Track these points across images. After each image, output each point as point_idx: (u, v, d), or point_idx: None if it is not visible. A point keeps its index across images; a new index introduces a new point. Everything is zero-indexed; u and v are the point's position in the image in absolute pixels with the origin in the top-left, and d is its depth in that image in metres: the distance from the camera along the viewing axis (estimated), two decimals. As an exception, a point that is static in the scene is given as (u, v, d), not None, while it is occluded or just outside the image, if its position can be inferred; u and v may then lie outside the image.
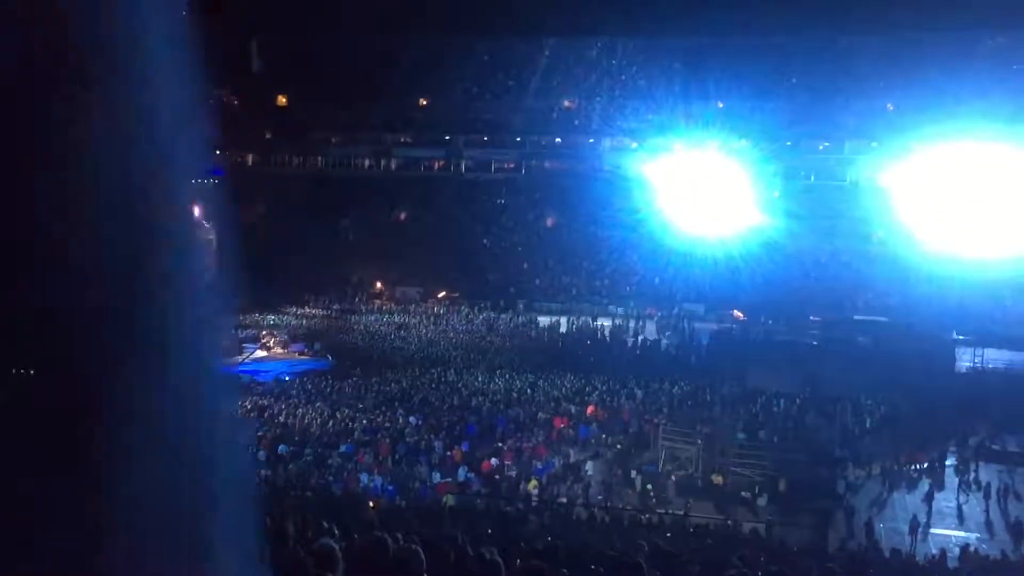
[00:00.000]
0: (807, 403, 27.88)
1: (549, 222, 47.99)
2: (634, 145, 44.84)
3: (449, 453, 23.31)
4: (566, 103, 49.07)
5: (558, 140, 49.17)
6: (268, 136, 50.08)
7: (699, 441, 24.12)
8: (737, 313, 38.97)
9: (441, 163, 50.14)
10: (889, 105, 41.83)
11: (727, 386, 29.97)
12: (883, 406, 27.28)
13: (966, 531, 19.94)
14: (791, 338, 35.19)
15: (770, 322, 37.33)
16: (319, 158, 49.93)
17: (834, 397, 27.85)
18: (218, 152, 49.65)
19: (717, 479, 22.13)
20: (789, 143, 43.02)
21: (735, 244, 38.10)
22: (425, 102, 50.04)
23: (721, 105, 41.53)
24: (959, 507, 21.29)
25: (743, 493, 21.50)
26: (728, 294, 38.72)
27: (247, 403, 28.63)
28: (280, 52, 45.98)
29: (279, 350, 38.10)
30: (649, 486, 21.61)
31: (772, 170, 40.97)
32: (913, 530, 18.76)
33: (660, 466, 23.10)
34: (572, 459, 23.35)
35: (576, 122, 48.46)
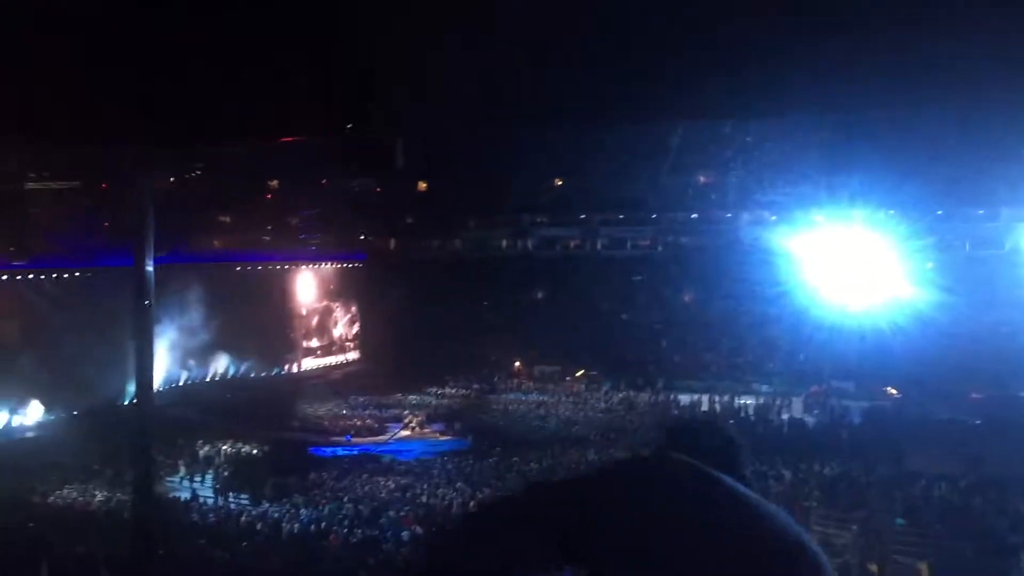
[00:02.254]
0: (972, 486, 26.10)
1: (687, 298, 47.42)
2: (773, 218, 44.01)
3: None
4: (701, 178, 48.79)
5: (694, 216, 48.80)
6: (409, 221, 51.79)
7: (854, 527, 22.94)
8: (891, 390, 37.19)
9: (577, 242, 50.52)
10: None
11: (883, 468, 28.45)
12: (1059, 490, 25.20)
13: None
14: (951, 416, 33.21)
15: (927, 400, 35.34)
16: (457, 240, 51.20)
17: (1002, 479, 25.99)
18: (362, 237, 51.79)
19: (874, 567, 20.86)
20: (940, 212, 41.28)
21: (886, 318, 36.52)
22: (560, 182, 50.79)
23: (863, 177, 40.37)
24: None
25: (905, 583, 20.19)
26: (880, 371, 37.03)
27: (390, 482, 29.16)
28: (418, 141, 47.98)
29: (420, 430, 38.73)
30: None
31: (923, 241, 39.29)
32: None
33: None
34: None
35: (712, 197, 48.03)
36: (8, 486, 27.65)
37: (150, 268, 3.41)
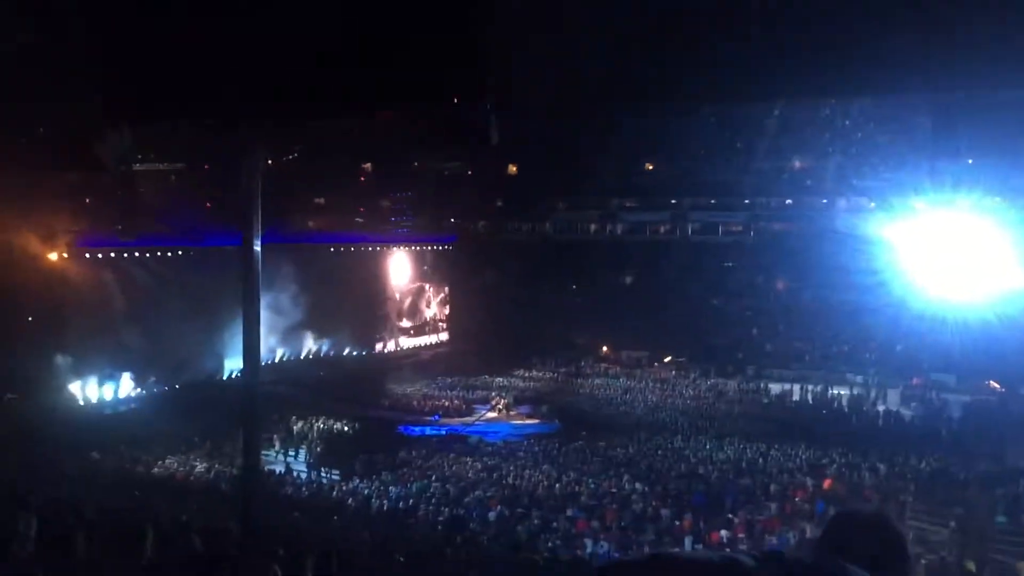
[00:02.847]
0: (1079, 486, 24.99)
1: (780, 286, 46.46)
2: (872, 205, 42.67)
3: (677, 522, 22.77)
4: (797, 163, 47.61)
5: (788, 201, 47.67)
6: (499, 204, 52.01)
7: (952, 523, 22.22)
8: (994, 384, 35.80)
9: (667, 227, 49.95)
10: None
11: (983, 464, 27.44)
12: None
13: None
14: (1058, 413, 31.83)
15: (1032, 394, 33.92)
16: (547, 224, 51.19)
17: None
18: (453, 220, 52.24)
19: (972, 566, 20.16)
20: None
21: (990, 309, 35.12)
22: (651, 166, 50.26)
23: (971, 161, 38.72)
24: None
25: (1005, 583, 19.46)
26: (983, 364, 35.64)
27: (477, 463, 29.48)
28: (510, 123, 48.11)
29: (507, 412, 38.99)
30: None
31: (1028, 230, 37.55)
32: None
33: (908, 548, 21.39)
34: (808, 535, 22.08)
35: (808, 183, 46.83)
36: (115, 456, 28.98)
37: (258, 247, 3.50)
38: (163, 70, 3.18)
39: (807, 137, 44.94)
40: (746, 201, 48.30)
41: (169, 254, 38.43)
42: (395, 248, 51.12)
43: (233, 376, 36.48)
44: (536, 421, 37.59)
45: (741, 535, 21.85)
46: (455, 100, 2.94)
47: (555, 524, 22.80)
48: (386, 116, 3.34)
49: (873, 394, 36.87)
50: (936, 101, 37.86)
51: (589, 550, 21.02)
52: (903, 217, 38.60)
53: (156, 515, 13.10)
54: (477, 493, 25.49)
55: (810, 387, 38.42)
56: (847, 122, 43.54)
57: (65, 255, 34.09)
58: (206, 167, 37.56)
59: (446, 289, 53.67)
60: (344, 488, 27.16)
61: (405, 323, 52.68)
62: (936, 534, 21.93)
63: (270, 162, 43.23)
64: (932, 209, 37.49)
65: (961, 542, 21.41)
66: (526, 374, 45.30)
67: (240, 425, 3.55)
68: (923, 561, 20.58)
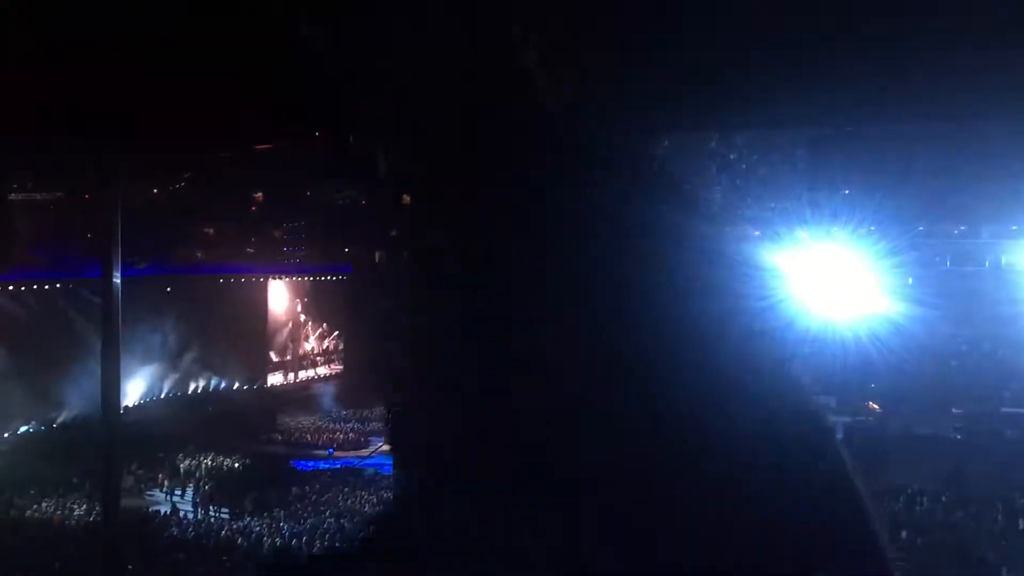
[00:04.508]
0: (953, 502, 26.21)
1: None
2: (757, 233, 44.11)
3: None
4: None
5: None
6: (394, 234, 51.63)
7: (836, 541, 22.94)
8: (872, 405, 37.30)
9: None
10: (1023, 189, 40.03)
11: (865, 482, 28.49)
12: (1039, 505, 25.30)
13: None
14: (933, 432, 33.38)
15: (909, 415, 35.49)
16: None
17: (983, 496, 26.12)
18: (347, 250, 51.59)
19: (857, 582, 20.82)
20: (922, 229, 41.55)
21: (867, 334, 36.68)
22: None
23: (847, 192, 40.58)
24: None
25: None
26: (861, 386, 37.15)
27: (373, 496, 29.00)
28: (403, 152, 48.08)
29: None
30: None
31: (903, 257, 39.50)
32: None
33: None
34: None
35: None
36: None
37: (117, 280, 3.35)
38: (31, 92, 3.02)
39: (693, 166, 46.26)
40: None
41: (46, 287, 36.72)
42: (287, 279, 50.13)
43: (124, 408, 34.92)
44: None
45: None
46: (332, 135, 2.88)
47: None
48: (265, 149, 3.25)
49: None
50: (813, 134, 39.63)
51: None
52: (786, 245, 40.06)
53: (27, 565, 12.38)
54: (374, 527, 25.04)
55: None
56: (731, 151, 45.05)
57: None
58: (86, 196, 36.13)
59: (340, 320, 52.87)
60: (234, 527, 26.31)
61: (298, 355, 51.63)
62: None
63: (156, 191, 42.00)
64: (812, 238, 39.09)
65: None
66: (423, 405, 44.88)
67: (101, 465, 3.36)
68: (812, 578, 21.16)
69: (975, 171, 39.67)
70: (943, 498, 26.41)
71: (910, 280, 38.25)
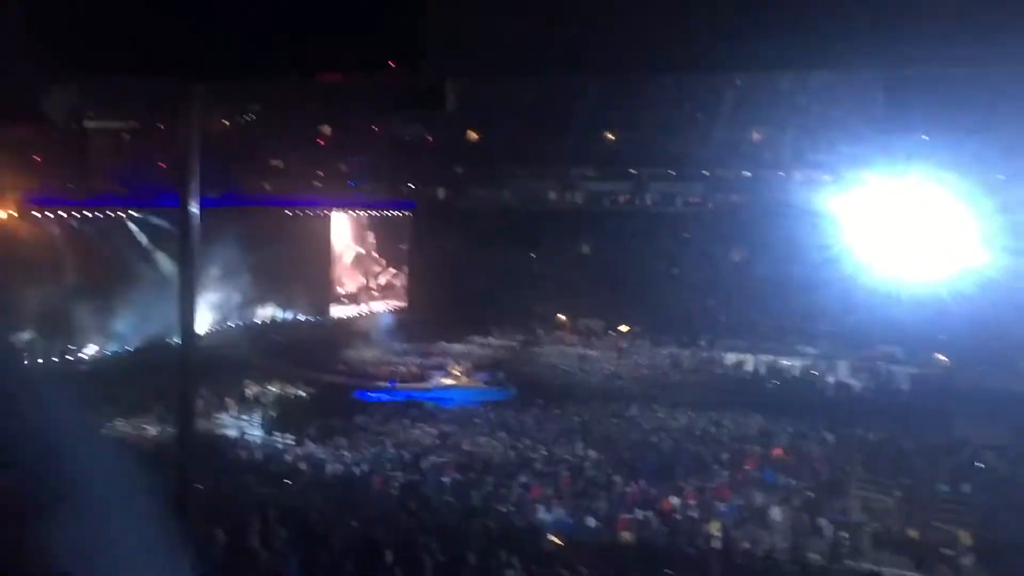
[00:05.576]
0: (1020, 457, 25.74)
1: (736, 257, 46.91)
2: (828, 179, 43.13)
3: (629, 489, 23.07)
4: (755, 135, 47.90)
5: (746, 174, 48.00)
6: (459, 171, 51.75)
7: (897, 492, 22.80)
8: (941, 357, 36.61)
9: (626, 197, 50.08)
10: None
11: (929, 435, 28.13)
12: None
13: None
14: (1003, 386, 32.63)
15: (978, 368, 34.71)
16: (506, 192, 51.05)
17: (1052, 451, 25.63)
18: (412, 186, 51.91)
19: (914, 534, 20.72)
20: (1002, 177, 40.11)
21: (940, 284, 35.81)
22: (611, 136, 50.25)
23: (925, 138, 39.24)
24: None
25: (945, 550, 19.98)
26: (932, 337, 36.42)
27: (432, 429, 29.56)
28: (470, 90, 47.78)
29: (464, 378, 39.05)
30: (844, 532, 20.47)
31: (983, 205, 38.22)
32: None
33: (853, 516, 21.92)
34: (758, 503, 22.51)
35: (766, 155, 47.16)
36: (64, 417, 28.51)
37: (195, 210, 3.40)
38: (105, 21, 3.07)
39: (765, 110, 45.21)
40: (705, 172, 48.56)
41: (124, 214, 37.72)
42: (354, 213, 50.68)
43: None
44: (492, 387, 37.72)
45: (692, 502, 22.21)
46: (403, 65, 2.88)
47: (509, 490, 22.99)
48: (335, 79, 3.26)
49: (823, 365, 37.51)
50: (889, 77, 38.28)
51: (541, 516, 21.24)
52: (857, 191, 39.13)
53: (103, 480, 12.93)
54: (432, 458, 25.60)
55: (762, 357, 38.97)
56: (804, 96, 43.84)
57: (14, 213, 33.34)
58: (160, 126, 36.78)
59: (404, 255, 53.38)
60: (298, 453, 27.10)
61: (362, 289, 52.42)
62: (880, 503, 22.49)
63: (226, 122, 42.59)
64: (885, 183, 38.06)
65: (905, 511, 21.99)
66: (483, 341, 45.38)
67: (179, 390, 3.50)
68: (867, 530, 21.12)
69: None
70: (1009, 453, 25.94)
71: (988, 228, 36.98)
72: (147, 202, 36.25)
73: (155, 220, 36.45)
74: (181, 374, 3.56)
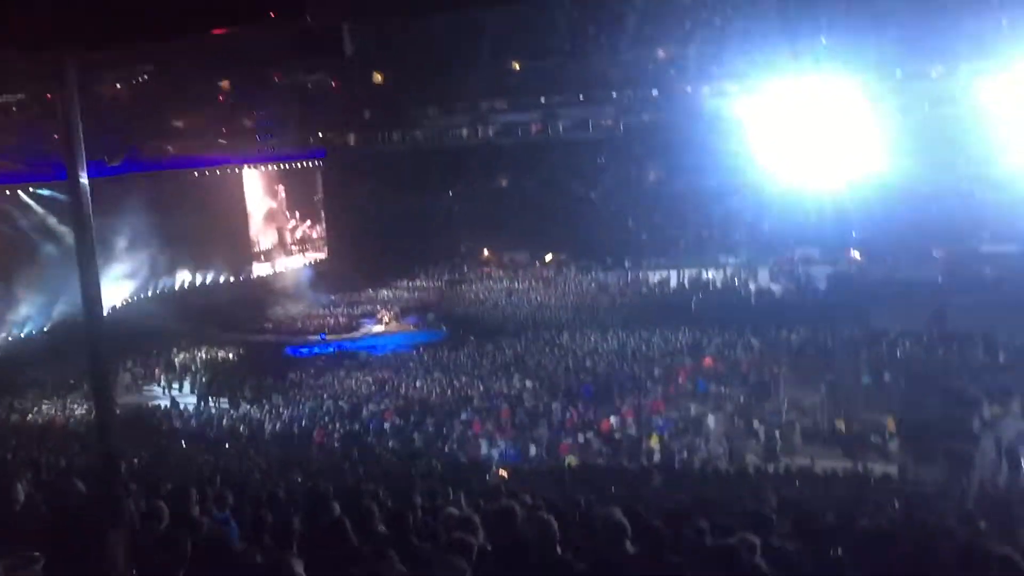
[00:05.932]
0: (935, 341, 26.86)
1: (652, 177, 47.33)
2: (734, 89, 43.56)
3: (568, 415, 23.47)
4: (661, 53, 47.94)
5: (655, 92, 48.15)
6: (367, 115, 50.82)
7: (822, 387, 23.63)
8: (854, 253, 37.73)
9: (538, 126, 49.86)
10: (1004, 20, 39.27)
11: (848, 329, 29.12)
12: (1017, 338, 25.89)
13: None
14: (914, 275, 33.87)
15: (890, 261, 35.90)
16: (418, 132, 50.38)
17: (964, 333, 26.76)
18: (320, 135, 50.84)
19: (841, 424, 21.57)
20: (899, 73, 41.04)
21: (847, 183, 36.78)
22: (518, 66, 49.75)
23: (824, 41, 39.76)
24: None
25: (872, 438, 20.88)
26: (843, 235, 37.46)
27: (368, 377, 29.50)
28: (371, 31, 46.72)
29: (394, 324, 38.96)
30: (776, 432, 21.21)
31: (882, 104, 39.13)
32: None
33: (783, 415, 22.70)
34: (692, 413, 23.14)
35: (672, 72, 47.29)
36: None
37: (85, 180, 3.27)
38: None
39: (668, 27, 45.16)
40: (614, 95, 48.54)
41: (22, 191, 36.17)
42: (262, 168, 49.46)
43: (110, 311, 34.89)
44: (423, 330, 37.73)
45: (629, 419, 22.70)
46: (287, 13, 2.77)
47: (450, 429, 23.18)
48: (217, 34, 3.12)
49: (744, 274, 38.35)
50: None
51: (485, 451, 21.49)
52: (764, 99, 39.71)
53: (35, 463, 12.65)
54: (371, 407, 25.60)
55: (686, 272, 39.64)
56: (705, 10, 43.90)
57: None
58: (49, 97, 35.08)
59: (319, 205, 52.50)
60: (234, 415, 26.82)
61: (280, 243, 51.53)
62: (808, 399, 23.31)
63: (119, 86, 40.86)
64: (789, 90, 38.66)
65: (831, 404, 22.84)
66: (410, 284, 45.22)
67: (87, 368, 3.40)
68: (797, 426, 21.91)
69: (950, 6, 38.83)
70: (925, 339, 27.04)
71: (890, 127, 37.90)
72: (44, 176, 34.74)
73: (55, 195, 35.02)
74: (90, 349, 3.46)
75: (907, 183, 36.18)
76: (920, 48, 39.88)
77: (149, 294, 40.51)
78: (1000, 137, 36.69)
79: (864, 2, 37.77)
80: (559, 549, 4.71)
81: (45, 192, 35.83)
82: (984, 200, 37.84)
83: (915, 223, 36.11)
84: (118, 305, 36.71)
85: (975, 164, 37.58)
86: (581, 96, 48.85)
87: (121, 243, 35.28)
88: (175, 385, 31.79)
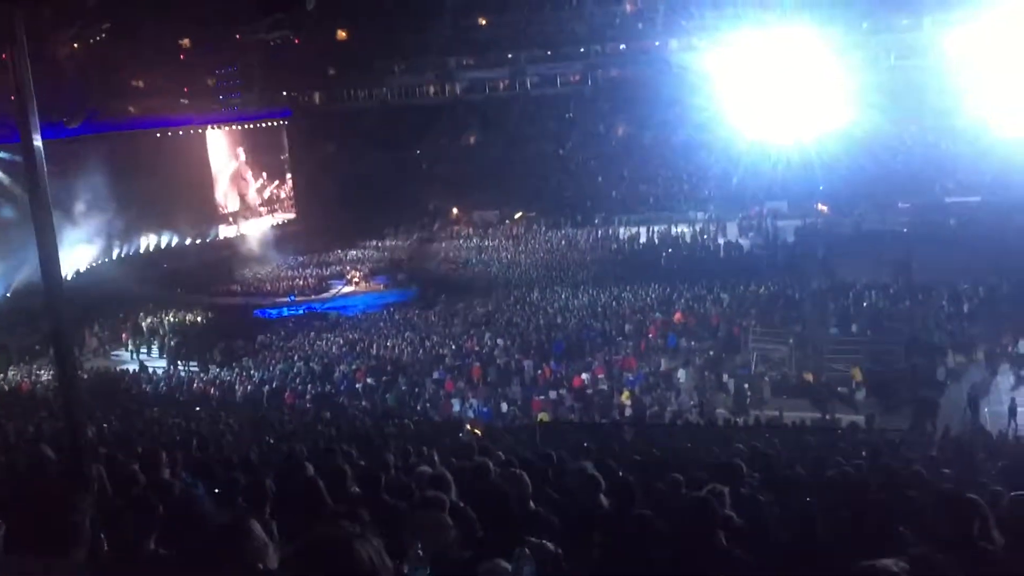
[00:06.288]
0: (900, 292, 27.20)
1: (620, 132, 47.21)
2: (701, 43, 43.40)
3: (539, 372, 23.57)
4: (628, 7, 47.61)
5: (622, 47, 47.87)
6: (332, 72, 50.10)
7: (791, 340, 23.88)
8: (821, 207, 37.97)
9: (506, 83, 49.47)
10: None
11: (816, 282, 29.39)
12: (981, 288, 26.28)
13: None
14: (880, 227, 34.17)
15: (856, 213, 36.19)
16: (384, 89, 49.79)
17: (929, 284, 27.11)
18: (285, 93, 50.06)
19: (810, 376, 21.85)
20: (866, 25, 41.09)
21: (814, 137, 36.93)
22: (484, 21, 49.20)
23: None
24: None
25: (840, 388, 21.19)
26: (811, 189, 37.66)
27: (339, 338, 29.39)
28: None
29: (364, 284, 38.75)
30: (745, 384, 21.44)
31: (849, 57, 39.20)
32: (1012, 412, 18.19)
33: (753, 368, 22.93)
34: (663, 368, 23.32)
35: (640, 25, 47.02)
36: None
37: (38, 141, 3.16)
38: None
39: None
40: (581, 50, 48.21)
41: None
42: (226, 128, 48.60)
43: (74, 276, 34.24)
44: (393, 289, 37.57)
45: (601, 376, 22.84)
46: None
47: (423, 388, 23.20)
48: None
49: (713, 228, 38.49)
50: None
51: (458, 408, 21.55)
52: (730, 53, 39.62)
53: (2, 430, 12.49)
54: (342, 367, 25.54)
55: (655, 228, 39.70)
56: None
57: None
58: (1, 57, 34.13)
59: (286, 165, 51.82)
60: (204, 378, 26.66)
61: (247, 204, 50.89)
62: (777, 352, 23.56)
63: (76, 46, 39.83)
64: (756, 43, 38.56)
65: (799, 356, 23.11)
66: (379, 244, 44.95)
67: (49, 333, 3.32)
68: (766, 379, 22.17)
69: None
70: (891, 290, 27.36)
71: (855, 79, 37.95)
72: (13, 138, 33.79)
73: (13, 157, 34.20)
74: (50, 312, 3.38)
75: (873, 136, 36.44)
76: (887, 1, 39.97)
77: (113, 257, 39.89)
78: (964, 89, 36.97)
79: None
80: (533, 504, 4.72)
81: (3, 155, 35.01)
82: (948, 151, 38.25)
83: (881, 176, 36.43)
84: (82, 269, 36.15)
85: (940, 116, 37.92)
86: (548, 52, 48.48)
87: (81, 206, 34.61)
88: (143, 349, 31.49)
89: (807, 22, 38.00)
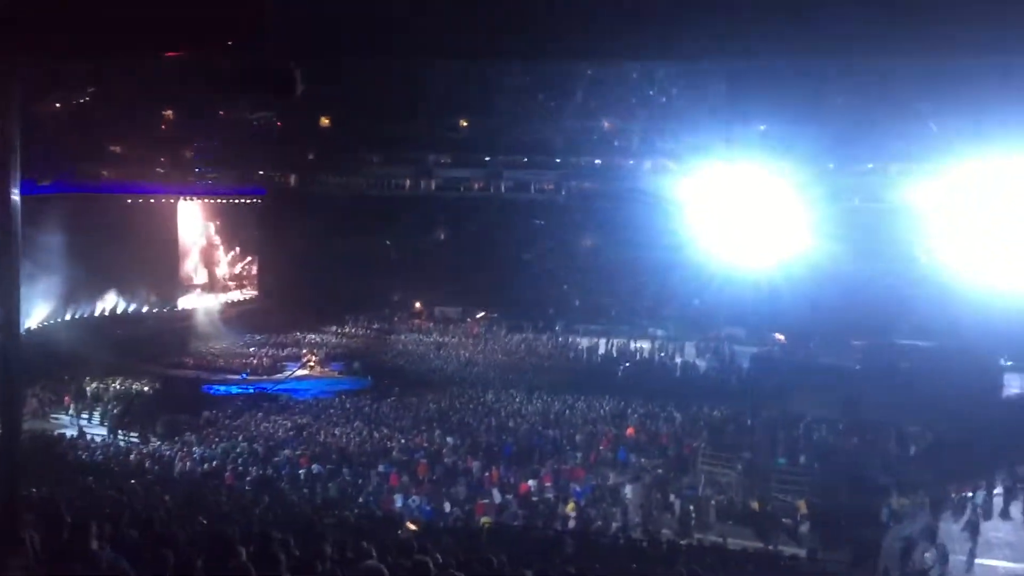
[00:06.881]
0: (849, 429, 27.44)
1: (588, 243, 47.97)
2: (674, 167, 44.67)
3: (486, 474, 23.28)
4: (606, 124, 49.04)
5: (597, 161, 49.11)
6: (311, 157, 50.67)
7: (739, 466, 23.90)
8: (779, 336, 38.56)
9: (480, 184, 50.33)
10: (933, 126, 41.19)
11: (768, 410, 29.58)
12: (928, 432, 26.63)
13: (1014, 561, 19.40)
14: (834, 362, 34.64)
15: (812, 346, 36.75)
16: (360, 178, 50.38)
17: (877, 423, 27.39)
18: (262, 173, 50.42)
19: (756, 504, 21.81)
20: (832, 166, 42.57)
21: (776, 267, 37.71)
22: (465, 123, 50.32)
23: (763, 128, 41.18)
24: (1006, 537, 20.72)
25: (784, 519, 21.14)
26: (770, 317, 38.31)
27: (286, 421, 28.90)
28: (322, 74, 46.79)
29: (319, 368, 38.39)
30: (691, 507, 21.33)
31: (814, 193, 40.43)
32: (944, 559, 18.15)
33: (700, 490, 22.86)
34: (611, 482, 23.16)
35: (616, 143, 48.38)
36: None
37: (16, 196, 3.20)
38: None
39: (615, 100, 46.31)
40: (557, 160, 49.35)
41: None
42: (199, 200, 48.73)
43: (24, 333, 33.59)
44: (348, 377, 37.23)
45: (548, 484, 22.61)
46: (243, 44, 2.79)
47: (367, 480, 22.78)
48: (173, 56, 3.12)
49: (671, 347, 38.87)
50: (731, 69, 39.89)
51: (400, 504, 21.14)
52: (701, 179, 40.68)
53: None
54: (286, 452, 25.03)
55: (615, 341, 40.02)
56: (651, 87, 45.14)
57: None
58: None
59: (255, 243, 51.84)
60: (144, 451, 25.96)
61: (210, 278, 50.63)
62: (725, 476, 23.54)
63: (60, 106, 40.06)
64: (727, 173, 39.66)
65: (747, 483, 23.10)
66: (338, 330, 44.74)
67: (2, 391, 3.29)
68: (712, 502, 22.08)
69: (886, 108, 40.55)
70: (840, 426, 27.60)
71: (818, 216, 39.01)
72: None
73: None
74: (3, 374, 3.35)
75: (833, 270, 37.30)
76: (854, 144, 41.52)
77: (68, 317, 39.26)
78: (926, 235, 38.12)
79: (800, 97, 39.23)
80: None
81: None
82: (904, 294, 39.16)
83: (838, 310, 37.15)
84: (32, 327, 35.49)
85: (898, 259, 38.99)
86: (525, 159, 49.57)
87: (46, 262, 34.23)
88: (84, 415, 30.69)
89: (775, 156, 39.28)
